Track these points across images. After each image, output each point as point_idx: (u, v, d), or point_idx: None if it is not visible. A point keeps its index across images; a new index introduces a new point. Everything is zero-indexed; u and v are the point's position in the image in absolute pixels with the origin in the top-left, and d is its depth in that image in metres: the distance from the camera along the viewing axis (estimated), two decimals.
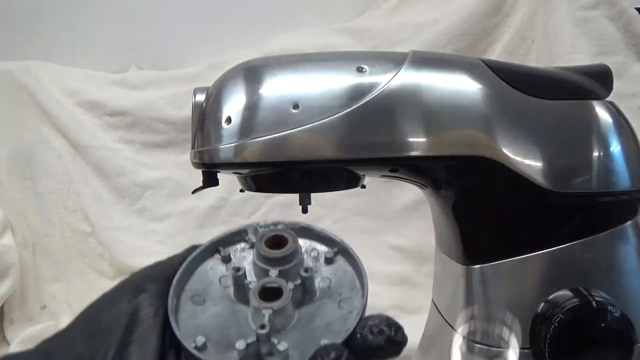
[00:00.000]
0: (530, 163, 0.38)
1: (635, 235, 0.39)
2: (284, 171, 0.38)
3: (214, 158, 0.37)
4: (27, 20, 0.96)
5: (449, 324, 0.44)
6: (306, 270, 0.30)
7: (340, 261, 0.32)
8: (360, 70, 0.38)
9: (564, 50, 0.78)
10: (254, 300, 0.28)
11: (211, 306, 0.30)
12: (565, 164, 0.38)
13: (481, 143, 0.38)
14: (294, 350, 0.27)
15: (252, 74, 0.38)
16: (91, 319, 0.27)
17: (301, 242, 0.32)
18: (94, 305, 0.28)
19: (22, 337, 0.80)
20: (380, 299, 0.84)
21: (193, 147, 0.39)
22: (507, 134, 0.38)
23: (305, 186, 0.40)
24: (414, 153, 0.37)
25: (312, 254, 0.32)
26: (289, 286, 0.29)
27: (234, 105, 0.37)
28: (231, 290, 0.30)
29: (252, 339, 0.27)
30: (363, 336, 0.26)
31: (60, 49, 0.97)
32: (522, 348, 0.39)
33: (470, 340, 0.41)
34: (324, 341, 0.27)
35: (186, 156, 0.92)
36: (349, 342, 0.27)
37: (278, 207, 0.91)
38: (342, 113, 0.36)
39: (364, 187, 0.43)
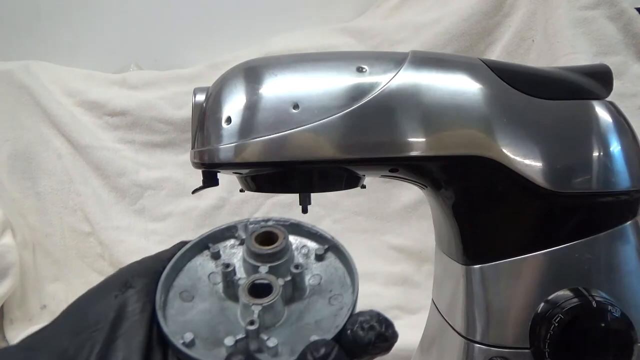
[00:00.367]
0: (530, 163, 0.38)
1: (635, 235, 0.39)
2: (284, 171, 0.38)
3: (214, 158, 0.37)
4: (27, 20, 0.96)
5: (449, 324, 0.44)
6: (296, 266, 0.30)
7: (331, 258, 0.32)
8: (360, 70, 0.38)
9: (564, 50, 0.78)
10: (244, 297, 0.28)
11: (200, 302, 0.29)
12: (565, 164, 0.38)
13: (481, 143, 0.37)
14: (284, 347, 0.27)
15: (252, 74, 0.38)
16: (77, 314, 0.27)
17: (292, 239, 0.31)
18: (81, 300, 0.28)
19: (22, 337, 0.80)
20: (380, 299, 0.84)
21: (193, 147, 0.39)
22: (507, 134, 0.38)
23: (305, 186, 0.40)
24: (414, 153, 0.37)
25: (303, 251, 0.32)
26: (278, 282, 0.29)
27: (234, 105, 0.37)
28: (220, 287, 0.30)
29: (241, 335, 0.27)
30: (353, 332, 0.26)
31: (60, 49, 0.97)
32: (522, 348, 0.39)
33: (470, 340, 0.41)
34: (314, 337, 0.27)
35: (186, 156, 0.92)
36: (339, 338, 0.27)
37: (278, 207, 0.91)
38: (342, 113, 0.36)
39: (364, 187, 0.43)
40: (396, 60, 0.38)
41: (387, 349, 0.27)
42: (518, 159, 0.38)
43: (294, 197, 0.40)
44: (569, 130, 0.39)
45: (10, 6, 0.96)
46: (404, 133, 0.37)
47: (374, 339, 0.26)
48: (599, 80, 0.41)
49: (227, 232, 0.32)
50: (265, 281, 0.29)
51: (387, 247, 0.90)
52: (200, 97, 0.39)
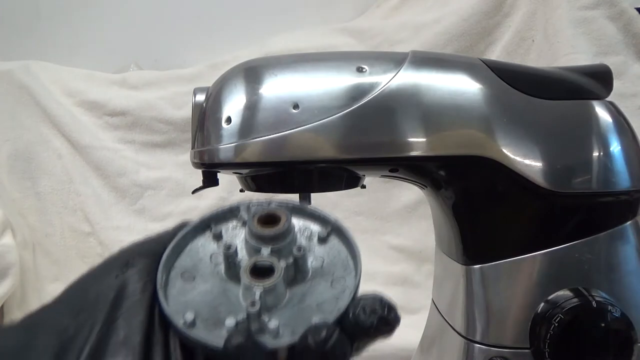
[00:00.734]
0: (530, 163, 0.38)
1: (635, 235, 0.39)
2: (284, 171, 0.38)
3: (214, 158, 0.37)
4: (27, 20, 0.96)
5: (449, 324, 0.44)
6: (299, 249, 0.29)
7: (334, 241, 0.31)
8: (360, 70, 0.38)
9: (564, 50, 0.78)
10: (245, 278, 0.28)
11: (201, 283, 0.29)
12: (565, 164, 0.38)
13: (481, 143, 0.38)
14: (285, 328, 0.27)
15: (252, 74, 0.38)
16: (77, 294, 0.27)
17: (294, 221, 0.31)
18: (81, 280, 0.28)
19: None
20: None
21: (193, 147, 0.39)
22: (507, 134, 0.38)
23: (305, 186, 0.40)
24: (414, 153, 0.37)
25: (306, 233, 0.32)
26: (281, 264, 0.28)
27: (234, 105, 0.37)
28: (222, 267, 0.30)
29: (242, 316, 0.27)
30: (355, 315, 0.26)
31: (60, 49, 0.97)
32: (522, 348, 0.39)
33: (470, 340, 0.41)
34: (316, 319, 0.27)
35: (186, 156, 0.92)
36: (341, 321, 0.26)
37: None
38: (342, 113, 0.36)
39: (364, 187, 0.43)
40: (396, 60, 0.38)
41: (389, 332, 0.26)
42: (518, 159, 0.38)
43: (294, 197, 0.40)
44: (569, 130, 0.39)
45: (10, 6, 0.96)
46: (404, 133, 0.37)
47: (376, 322, 0.26)
48: (599, 80, 0.41)
49: (229, 213, 0.32)
50: (267, 263, 0.28)
51: (387, 247, 0.90)
52: (200, 97, 0.39)
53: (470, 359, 0.41)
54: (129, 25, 0.97)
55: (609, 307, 0.36)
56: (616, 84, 0.41)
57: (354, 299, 0.27)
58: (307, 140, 0.36)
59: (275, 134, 0.36)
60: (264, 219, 0.30)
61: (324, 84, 0.37)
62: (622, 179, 0.38)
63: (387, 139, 0.37)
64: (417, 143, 0.37)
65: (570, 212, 0.39)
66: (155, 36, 0.98)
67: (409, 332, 0.68)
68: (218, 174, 0.40)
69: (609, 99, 0.41)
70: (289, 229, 0.30)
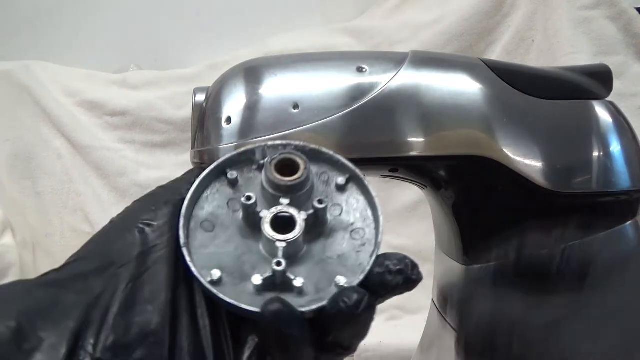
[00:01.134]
0: (530, 163, 0.38)
1: (635, 235, 0.39)
2: None
3: (214, 158, 0.37)
4: (27, 20, 0.96)
5: (449, 324, 0.44)
6: (320, 201, 0.29)
7: (352, 189, 0.31)
8: (360, 70, 0.38)
9: (564, 50, 0.78)
10: (267, 231, 0.28)
11: (221, 232, 0.29)
12: (565, 164, 0.38)
13: (481, 143, 0.38)
14: (308, 283, 0.27)
15: (252, 74, 0.38)
16: (101, 251, 0.27)
17: (312, 162, 0.30)
18: (102, 236, 0.28)
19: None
20: None
21: (193, 147, 0.39)
22: (507, 134, 0.38)
23: None
24: (414, 153, 0.37)
25: (323, 178, 0.31)
26: (301, 216, 0.28)
27: (234, 105, 0.37)
28: (240, 214, 0.29)
29: (267, 273, 0.27)
30: (381, 276, 0.27)
31: (60, 49, 0.97)
32: None
33: None
34: (340, 278, 0.27)
35: (186, 156, 0.92)
36: (366, 280, 0.27)
37: None
38: (342, 113, 0.36)
39: None
40: (396, 61, 0.38)
41: (411, 289, 0.27)
42: (518, 159, 0.38)
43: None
44: (569, 131, 0.39)
45: (10, 6, 0.96)
46: (404, 133, 0.37)
47: (402, 282, 0.27)
48: (599, 80, 0.41)
49: (243, 157, 0.31)
50: (288, 214, 0.28)
51: (387, 247, 0.90)
52: (200, 97, 0.39)
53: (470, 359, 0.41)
54: (129, 26, 0.97)
55: None
56: (616, 84, 0.41)
57: (378, 257, 0.27)
58: (307, 140, 0.36)
59: (275, 134, 0.36)
60: (281, 166, 0.29)
61: (324, 84, 0.37)
62: (622, 179, 0.38)
63: (387, 139, 0.37)
64: (417, 143, 0.37)
65: (570, 212, 0.39)
66: (155, 36, 0.98)
67: (409, 332, 0.68)
68: None
69: (609, 99, 0.41)
70: (308, 177, 0.29)
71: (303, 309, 0.26)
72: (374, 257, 0.28)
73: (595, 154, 0.38)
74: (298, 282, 0.27)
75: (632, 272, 0.39)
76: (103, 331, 0.24)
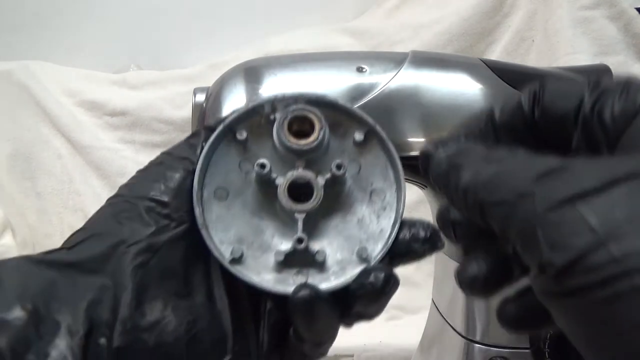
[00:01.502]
0: None
1: None
2: None
3: None
4: (27, 20, 0.96)
5: (449, 324, 0.44)
6: (338, 167, 0.27)
7: (371, 145, 0.28)
8: (360, 70, 0.38)
9: (564, 50, 0.78)
10: (284, 201, 0.26)
11: (236, 199, 0.28)
12: None
13: None
14: (330, 254, 0.27)
15: (252, 74, 0.38)
16: (111, 228, 0.26)
17: (326, 114, 0.27)
18: (111, 212, 0.27)
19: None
20: None
21: None
22: None
23: None
24: (414, 153, 0.37)
25: (338, 131, 0.28)
26: (319, 182, 0.27)
27: (234, 105, 0.37)
28: (253, 176, 0.28)
29: (288, 246, 0.27)
30: (408, 244, 0.26)
31: (60, 49, 0.97)
32: (522, 348, 0.39)
33: (470, 340, 0.41)
34: (362, 249, 0.27)
35: None
36: (391, 247, 0.26)
37: None
38: None
39: None
40: (396, 61, 0.38)
41: (432, 254, 0.27)
42: None
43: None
44: None
45: (10, 6, 0.96)
46: (404, 133, 0.37)
47: (428, 250, 0.26)
48: None
49: (252, 113, 0.28)
50: (305, 180, 0.27)
51: None
52: (200, 97, 0.39)
53: (471, 359, 0.41)
54: (129, 25, 0.97)
55: None
56: None
57: (402, 224, 0.27)
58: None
59: None
60: (295, 125, 0.27)
61: (324, 84, 0.37)
62: None
63: None
64: (417, 143, 0.37)
65: None
66: (155, 36, 0.98)
67: (409, 332, 0.68)
68: None
69: None
70: (324, 138, 0.27)
71: (328, 288, 0.26)
72: (397, 226, 0.27)
73: None
74: (320, 257, 0.26)
75: None
76: (119, 314, 0.23)
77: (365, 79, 0.37)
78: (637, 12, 0.80)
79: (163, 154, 0.28)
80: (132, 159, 0.92)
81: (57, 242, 0.97)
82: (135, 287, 0.24)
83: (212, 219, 0.27)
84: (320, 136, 0.26)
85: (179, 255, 0.26)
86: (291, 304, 0.25)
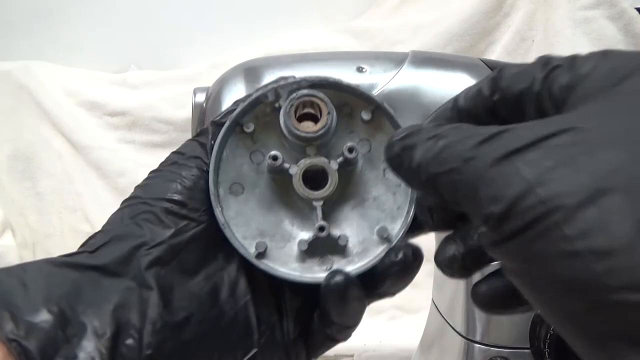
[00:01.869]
0: None
1: None
2: None
3: None
4: (27, 20, 0.96)
5: (449, 324, 0.44)
6: (350, 150, 0.27)
7: (378, 122, 0.28)
8: (360, 70, 0.38)
9: (564, 50, 0.78)
10: (301, 189, 0.26)
11: (252, 193, 0.28)
12: None
13: None
14: (352, 237, 0.27)
15: (252, 74, 0.38)
16: (132, 230, 0.26)
17: (331, 96, 0.27)
18: (129, 214, 0.26)
19: None
20: None
21: None
22: None
23: None
24: None
25: (345, 110, 0.28)
26: (332, 167, 0.27)
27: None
28: (264, 166, 0.28)
29: (307, 234, 0.27)
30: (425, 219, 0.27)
31: (60, 49, 0.97)
32: (522, 348, 0.39)
33: (470, 340, 0.41)
34: (382, 229, 0.27)
35: None
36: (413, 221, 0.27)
37: None
38: None
39: None
40: (396, 61, 0.38)
41: None
42: None
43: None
44: None
45: (10, 6, 0.96)
46: None
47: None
48: None
49: (256, 103, 0.28)
50: (318, 166, 0.27)
51: None
52: (200, 97, 0.39)
53: (470, 359, 0.41)
54: (129, 25, 0.97)
55: None
56: None
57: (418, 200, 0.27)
58: None
59: None
60: (301, 111, 0.27)
61: None
62: None
63: None
64: None
65: None
66: (155, 36, 0.98)
67: (409, 332, 0.68)
68: None
69: None
70: (332, 122, 0.27)
71: (357, 271, 0.26)
72: (414, 201, 0.27)
73: None
74: (342, 241, 0.27)
75: None
76: (148, 315, 0.23)
77: (365, 79, 0.37)
78: (637, 12, 0.80)
79: (174, 153, 0.28)
80: (132, 159, 0.92)
81: (57, 242, 0.96)
82: (160, 288, 0.24)
83: (231, 215, 0.27)
84: (329, 121, 0.26)
85: (199, 254, 0.26)
86: (325, 291, 0.25)
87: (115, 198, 0.91)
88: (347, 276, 0.26)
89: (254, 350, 0.26)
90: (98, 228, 0.28)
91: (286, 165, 0.27)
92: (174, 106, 0.92)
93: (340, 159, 0.27)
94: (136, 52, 0.98)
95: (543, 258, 0.15)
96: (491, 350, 0.40)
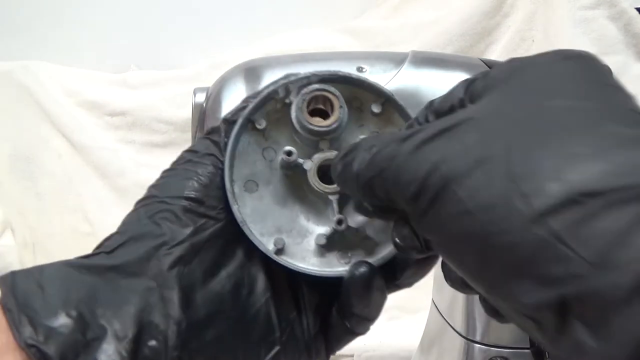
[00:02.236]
0: None
1: None
2: None
3: None
4: (27, 20, 0.96)
5: (449, 324, 0.44)
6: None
7: (388, 114, 0.29)
8: (360, 70, 0.38)
9: None
10: (316, 184, 0.27)
11: (266, 189, 0.28)
12: None
13: None
14: (368, 228, 0.27)
15: (252, 74, 0.38)
16: (152, 230, 0.25)
17: (341, 89, 0.27)
18: (146, 213, 0.26)
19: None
20: None
21: None
22: None
23: None
24: None
25: (355, 104, 0.28)
26: None
27: (234, 105, 0.37)
28: (277, 162, 0.28)
29: (323, 228, 0.27)
30: None
31: (60, 49, 0.97)
32: (522, 348, 0.39)
33: (470, 340, 0.41)
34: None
35: None
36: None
37: None
38: None
39: None
40: (396, 60, 0.38)
41: None
42: None
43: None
44: None
45: (10, 6, 0.96)
46: None
47: None
48: None
49: (267, 99, 0.28)
50: (331, 160, 0.26)
51: None
52: (200, 97, 0.39)
53: (470, 359, 0.41)
54: (129, 25, 0.97)
55: None
56: None
57: None
58: None
59: None
60: (313, 106, 0.27)
61: None
62: None
63: None
64: None
65: None
66: (155, 36, 0.98)
67: (409, 332, 0.68)
68: None
69: None
70: (344, 115, 0.27)
71: (378, 262, 0.26)
72: None
73: None
74: (361, 233, 0.27)
75: None
76: (172, 314, 0.23)
77: None
78: (637, 12, 0.80)
79: (187, 152, 0.28)
80: (132, 159, 0.92)
81: (57, 242, 0.96)
82: (182, 288, 0.24)
83: (248, 213, 0.27)
84: (341, 115, 0.27)
85: (218, 252, 0.26)
86: (348, 283, 0.26)
87: (115, 198, 0.91)
88: (371, 267, 0.26)
89: (277, 348, 0.26)
90: (98, 228, 0.27)
91: (300, 160, 0.27)
92: (174, 106, 0.92)
93: None
94: (136, 52, 0.98)
95: (449, 222, 0.18)
96: (491, 350, 0.40)
